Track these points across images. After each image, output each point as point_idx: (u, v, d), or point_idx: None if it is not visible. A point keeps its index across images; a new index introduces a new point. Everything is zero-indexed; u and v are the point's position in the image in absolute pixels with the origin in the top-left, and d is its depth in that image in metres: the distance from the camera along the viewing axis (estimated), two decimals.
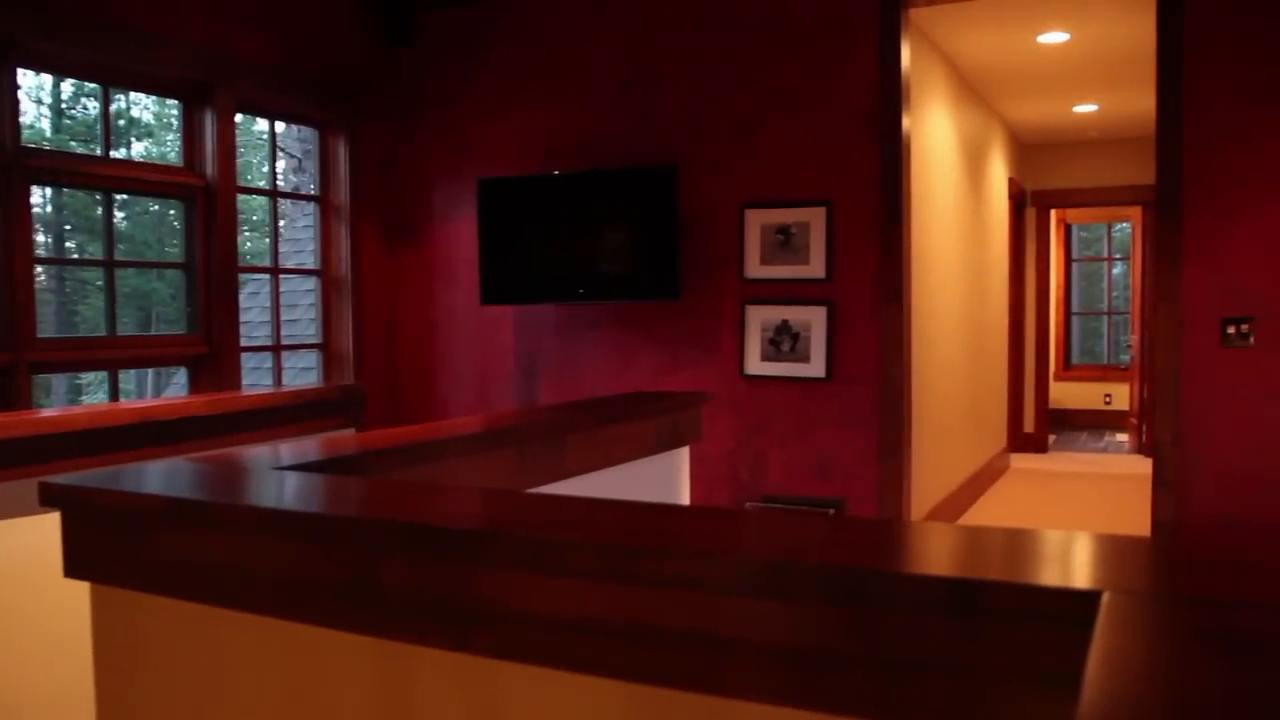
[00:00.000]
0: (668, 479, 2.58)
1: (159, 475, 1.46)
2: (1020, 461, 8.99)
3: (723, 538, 0.96)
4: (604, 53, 5.39)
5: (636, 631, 0.93)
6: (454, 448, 1.87)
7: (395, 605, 1.10)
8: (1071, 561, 0.86)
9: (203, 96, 4.89)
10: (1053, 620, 0.75)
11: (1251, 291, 4.30)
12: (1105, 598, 0.72)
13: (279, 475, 1.44)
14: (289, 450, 1.75)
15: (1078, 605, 0.73)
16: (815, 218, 4.89)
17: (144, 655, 1.35)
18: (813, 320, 4.89)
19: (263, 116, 5.60)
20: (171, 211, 12.98)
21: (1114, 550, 0.86)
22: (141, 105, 16.21)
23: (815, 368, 4.89)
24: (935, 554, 0.90)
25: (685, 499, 2.71)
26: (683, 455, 2.68)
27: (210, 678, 1.30)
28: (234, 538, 1.23)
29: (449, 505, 1.18)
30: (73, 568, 1.38)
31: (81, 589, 1.42)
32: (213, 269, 4.95)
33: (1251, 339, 4.30)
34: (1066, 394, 11.36)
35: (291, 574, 1.18)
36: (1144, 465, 7.51)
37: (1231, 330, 4.33)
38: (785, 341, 4.95)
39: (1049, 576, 0.78)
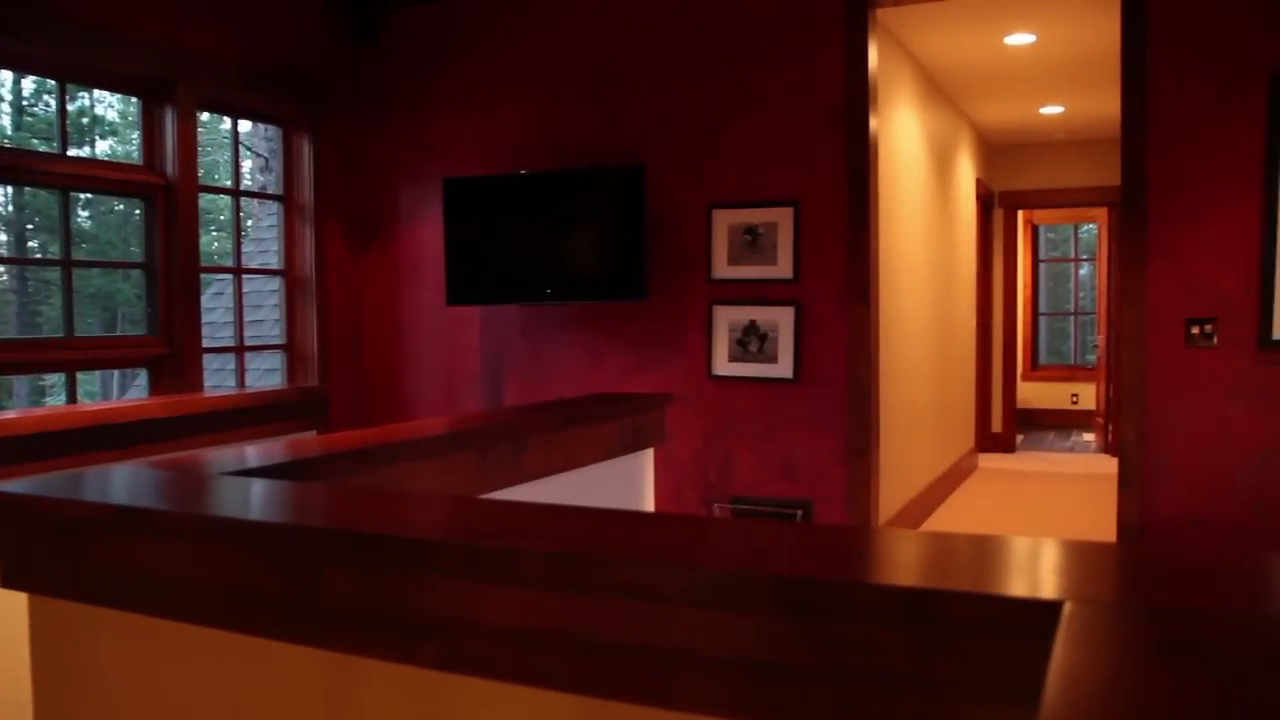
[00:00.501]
0: (631, 482, 2.55)
1: (101, 481, 1.41)
2: (988, 461, 9.03)
3: (675, 546, 0.93)
4: (570, 51, 5.35)
5: (586, 643, 0.90)
6: (413, 451, 1.83)
7: (341, 616, 1.06)
8: (1033, 570, 0.83)
9: (163, 94, 4.82)
10: (1013, 631, 0.72)
11: (1215, 292, 4.32)
12: (1067, 608, 0.70)
13: (227, 481, 1.40)
14: (242, 454, 1.70)
15: (1038, 616, 0.71)
16: (783, 218, 4.87)
17: (84, 668, 1.30)
18: (780, 321, 4.88)
19: (225, 114, 5.52)
20: (137, 211, 12.85)
21: (1077, 558, 0.84)
22: (105, 103, 16.02)
23: (783, 368, 4.88)
24: (892, 562, 0.87)
25: (649, 502, 2.68)
26: (646, 457, 2.65)
27: (153, 691, 1.26)
28: (177, 547, 1.19)
29: (395, 512, 1.14)
30: (9, 578, 1.33)
31: (19, 599, 1.38)
32: (173, 269, 4.88)
33: (1215, 339, 4.32)
34: (1034, 394, 11.44)
35: (236, 584, 1.14)
36: (1110, 465, 7.55)
37: (1195, 330, 4.35)
38: (753, 342, 4.93)
39: (1009, 586, 0.76)
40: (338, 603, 1.06)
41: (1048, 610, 0.71)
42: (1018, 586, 0.77)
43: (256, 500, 1.27)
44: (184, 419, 2.92)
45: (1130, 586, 0.78)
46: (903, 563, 0.86)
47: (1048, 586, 0.76)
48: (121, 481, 1.43)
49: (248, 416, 3.13)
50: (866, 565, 0.84)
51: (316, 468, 1.61)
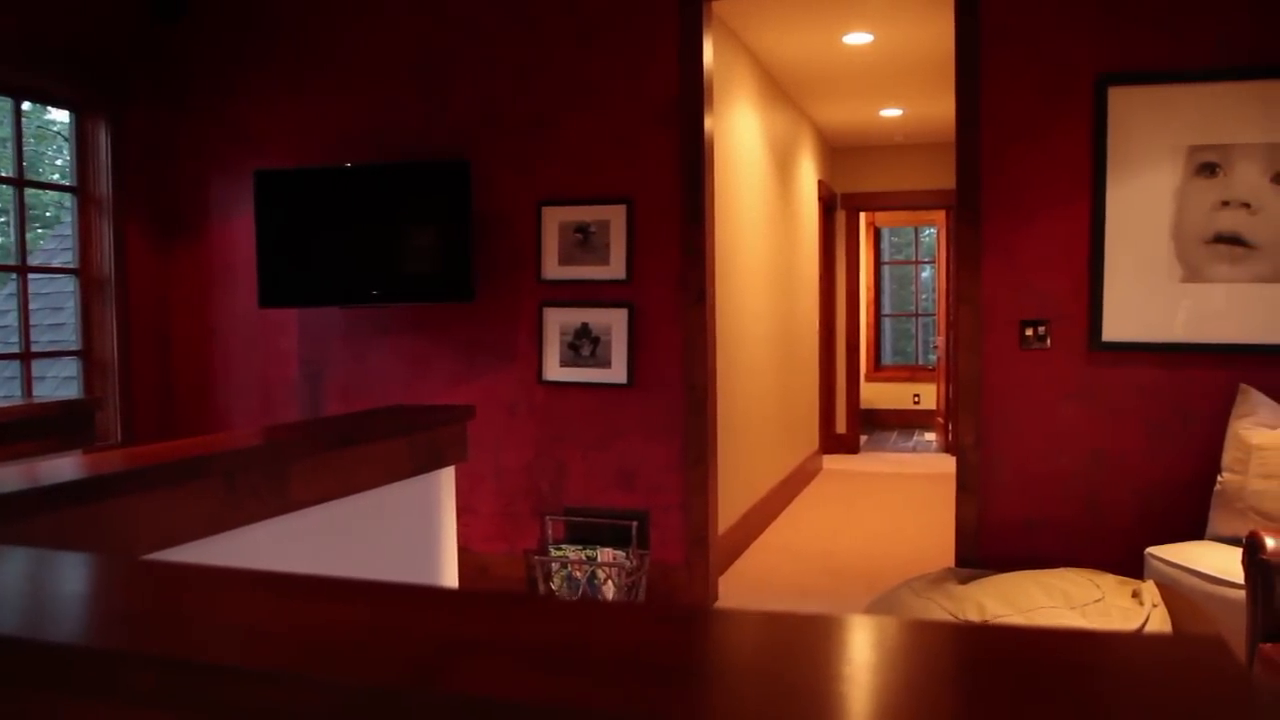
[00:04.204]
0: (424, 506, 2.27)
1: None
2: (832, 463, 9.03)
3: (336, 640, 0.68)
4: (393, 37, 5.03)
5: None
6: (135, 482, 1.52)
7: None
8: (816, 684, 0.60)
9: None
10: None
11: (1047, 293, 4.30)
12: None
13: None
14: None
15: None
16: (615, 216, 4.66)
17: None
18: (613, 323, 4.66)
19: (3, 95, 4.99)
20: None
21: (884, 655, 0.62)
22: None
23: (616, 373, 4.66)
24: (627, 667, 0.63)
25: (449, 528, 2.40)
26: (444, 478, 2.38)
27: None
28: None
29: None
30: None
31: None
32: None
33: (1048, 341, 4.30)
34: (877, 394, 11.56)
35: None
36: (951, 464, 7.60)
37: (1029, 332, 4.32)
38: (585, 346, 4.70)
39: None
40: None
41: None
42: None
43: None
44: None
45: None
46: (643, 665, 0.62)
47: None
48: None
49: None
50: (583, 672, 0.60)
51: None
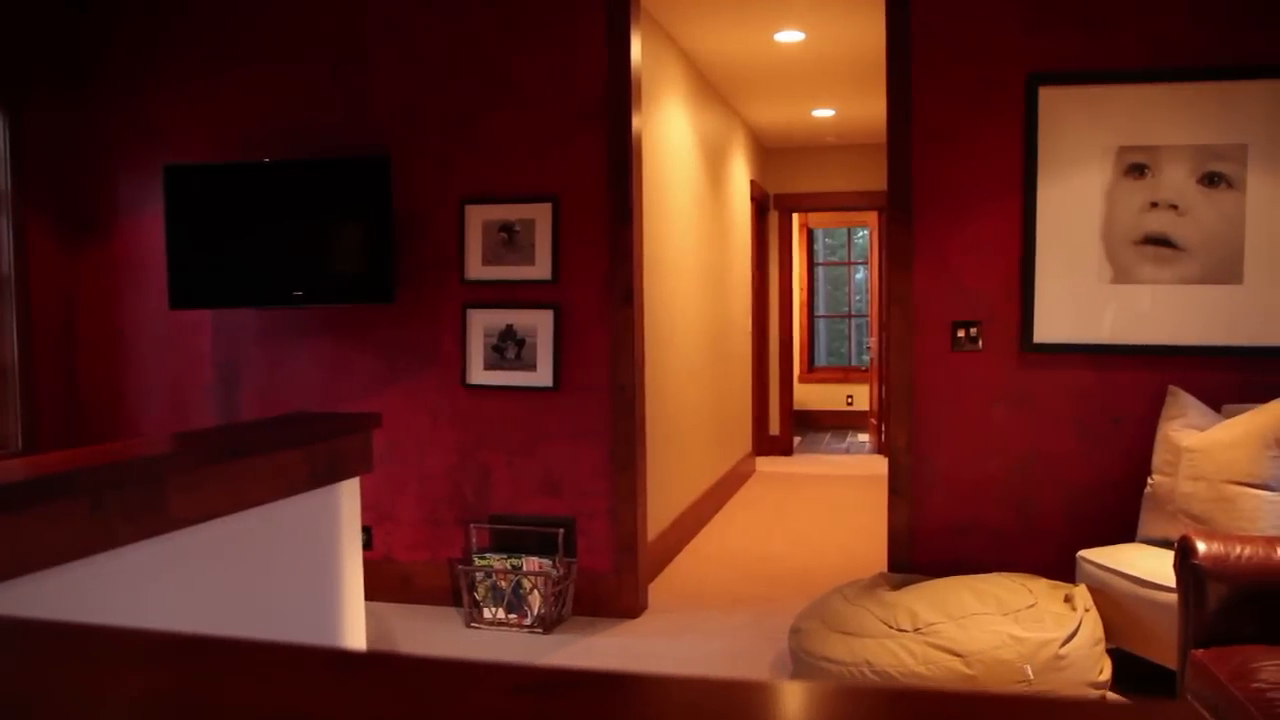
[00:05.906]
0: (324, 521, 2.12)
1: None
2: (766, 465, 8.98)
3: None
4: (311, 28, 4.84)
5: None
6: None
7: None
8: None
9: None
10: None
11: (978, 294, 4.25)
12: None
13: None
14: None
15: None
16: (541, 214, 4.52)
17: None
18: (539, 324, 4.52)
19: None
20: None
21: None
22: None
23: (542, 376, 4.53)
24: None
25: (353, 543, 2.25)
26: (346, 490, 2.22)
27: None
28: None
29: None
30: None
31: None
32: None
33: (980, 343, 4.25)
34: (811, 395, 11.55)
35: None
36: (885, 465, 7.58)
37: (961, 334, 4.28)
38: (510, 348, 4.56)
39: None
40: None
41: None
42: None
43: None
44: None
45: None
46: None
47: None
48: None
49: None
50: None
51: None
